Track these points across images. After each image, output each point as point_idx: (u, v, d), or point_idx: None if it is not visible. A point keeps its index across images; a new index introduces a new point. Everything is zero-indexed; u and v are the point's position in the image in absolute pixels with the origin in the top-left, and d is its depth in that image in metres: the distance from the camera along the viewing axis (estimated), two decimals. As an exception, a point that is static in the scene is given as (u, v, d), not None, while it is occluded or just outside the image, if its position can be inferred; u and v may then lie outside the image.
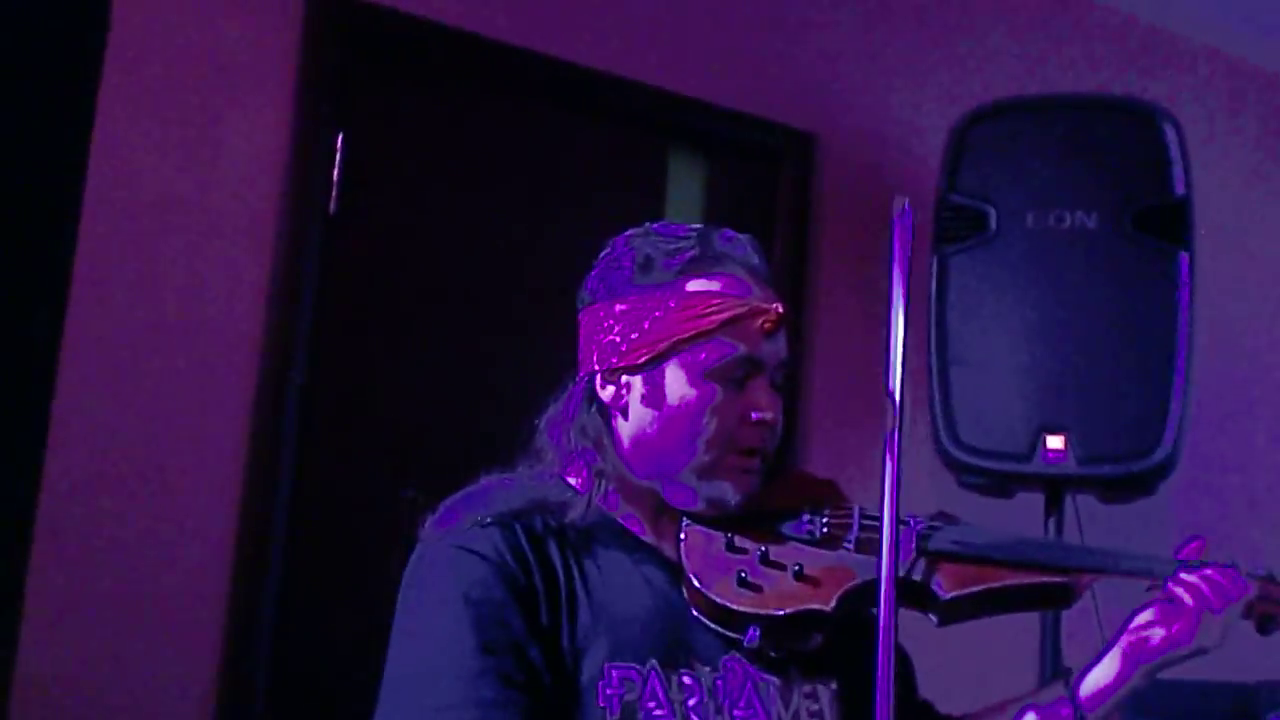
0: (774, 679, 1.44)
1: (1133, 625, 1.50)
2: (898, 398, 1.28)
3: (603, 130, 3.21)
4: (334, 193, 2.84)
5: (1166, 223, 2.69)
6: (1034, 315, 2.73)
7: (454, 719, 1.30)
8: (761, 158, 3.38)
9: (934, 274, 2.78)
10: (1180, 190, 2.70)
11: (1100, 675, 1.51)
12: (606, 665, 1.37)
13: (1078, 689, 1.52)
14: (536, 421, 1.53)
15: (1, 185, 2.38)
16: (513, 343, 2.96)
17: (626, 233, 1.54)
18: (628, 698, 1.36)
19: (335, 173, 2.84)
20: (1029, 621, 2.63)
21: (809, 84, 3.41)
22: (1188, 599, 1.46)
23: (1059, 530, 2.73)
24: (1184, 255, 2.68)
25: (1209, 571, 1.47)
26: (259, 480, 2.66)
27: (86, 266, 2.48)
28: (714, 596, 1.41)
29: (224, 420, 2.66)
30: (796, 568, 1.43)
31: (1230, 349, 3.19)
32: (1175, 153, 2.71)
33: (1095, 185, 2.73)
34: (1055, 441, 2.66)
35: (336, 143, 2.86)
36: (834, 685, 1.48)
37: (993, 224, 2.76)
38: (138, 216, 2.63)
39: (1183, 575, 1.47)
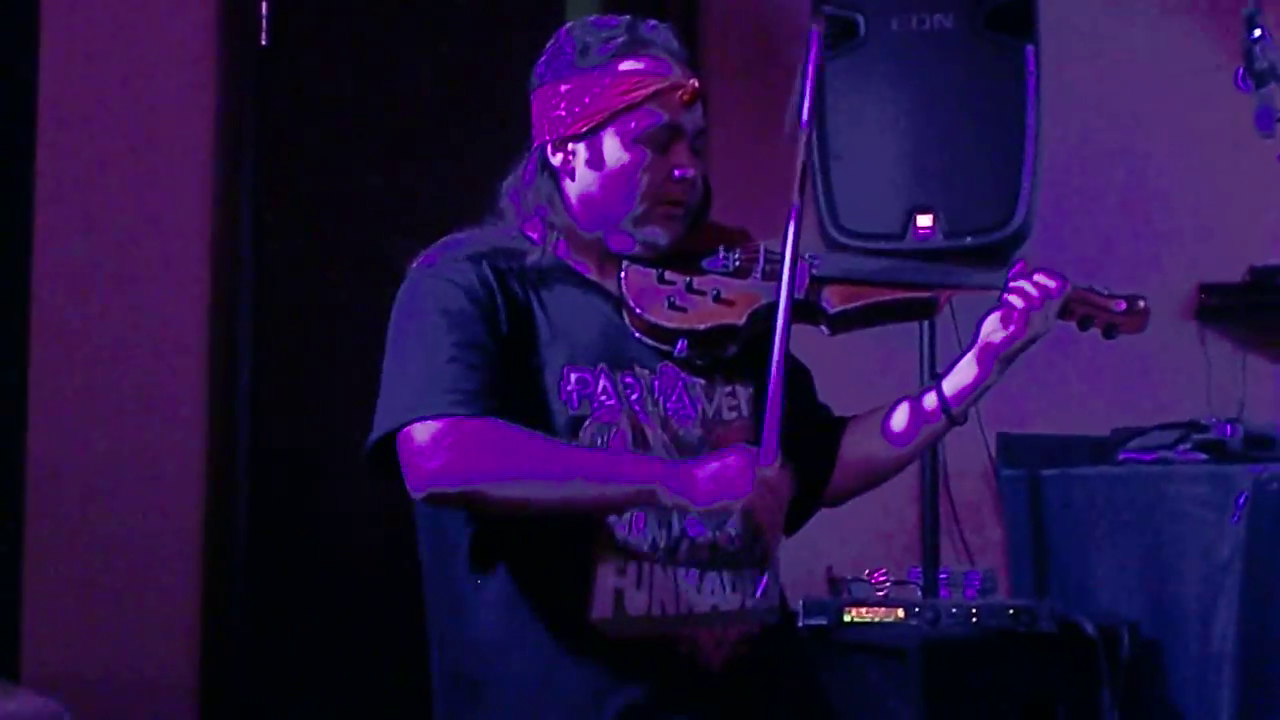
0: (700, 381, 1.76)
1: (982, 329, 1.79)
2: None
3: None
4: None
5: (1013, 19, 3.03)
6: (901, 111, 3.08)
7: (433, 397, 1.60)
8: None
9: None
10: (1025, -12, 3.04)
11: (962, 373, 1.81)
12: (565, 368, 1.68)
13: (942, 384, 1.82)
14: (498, 187, 1.80)
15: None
16: (436, 140, 3.22)
17: (566, 25, 1.81)
18: (583, 392, 1.69)
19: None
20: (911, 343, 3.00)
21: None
22: (1018, 301, 1.77)
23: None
24: (1030, 48, 3.02)
25: (1034, 277, 1.78)
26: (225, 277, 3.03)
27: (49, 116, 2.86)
28: (649, 317, 1.73)
29: (188, 244, 2.98)
30: (715, 292, 1.75)
31: (1076, 132, 3.57)
32: (1019, -47, 3.03)
33: (951, -11, 3.07)
34: (924, 220, 3.04)
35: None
36: (750, 388, 1.80)
37: (861, 30, 3.09)
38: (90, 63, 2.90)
39: (1013, 283, 1.78)
